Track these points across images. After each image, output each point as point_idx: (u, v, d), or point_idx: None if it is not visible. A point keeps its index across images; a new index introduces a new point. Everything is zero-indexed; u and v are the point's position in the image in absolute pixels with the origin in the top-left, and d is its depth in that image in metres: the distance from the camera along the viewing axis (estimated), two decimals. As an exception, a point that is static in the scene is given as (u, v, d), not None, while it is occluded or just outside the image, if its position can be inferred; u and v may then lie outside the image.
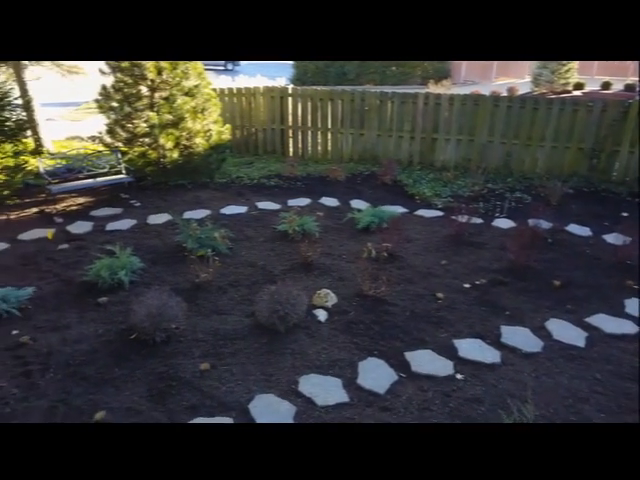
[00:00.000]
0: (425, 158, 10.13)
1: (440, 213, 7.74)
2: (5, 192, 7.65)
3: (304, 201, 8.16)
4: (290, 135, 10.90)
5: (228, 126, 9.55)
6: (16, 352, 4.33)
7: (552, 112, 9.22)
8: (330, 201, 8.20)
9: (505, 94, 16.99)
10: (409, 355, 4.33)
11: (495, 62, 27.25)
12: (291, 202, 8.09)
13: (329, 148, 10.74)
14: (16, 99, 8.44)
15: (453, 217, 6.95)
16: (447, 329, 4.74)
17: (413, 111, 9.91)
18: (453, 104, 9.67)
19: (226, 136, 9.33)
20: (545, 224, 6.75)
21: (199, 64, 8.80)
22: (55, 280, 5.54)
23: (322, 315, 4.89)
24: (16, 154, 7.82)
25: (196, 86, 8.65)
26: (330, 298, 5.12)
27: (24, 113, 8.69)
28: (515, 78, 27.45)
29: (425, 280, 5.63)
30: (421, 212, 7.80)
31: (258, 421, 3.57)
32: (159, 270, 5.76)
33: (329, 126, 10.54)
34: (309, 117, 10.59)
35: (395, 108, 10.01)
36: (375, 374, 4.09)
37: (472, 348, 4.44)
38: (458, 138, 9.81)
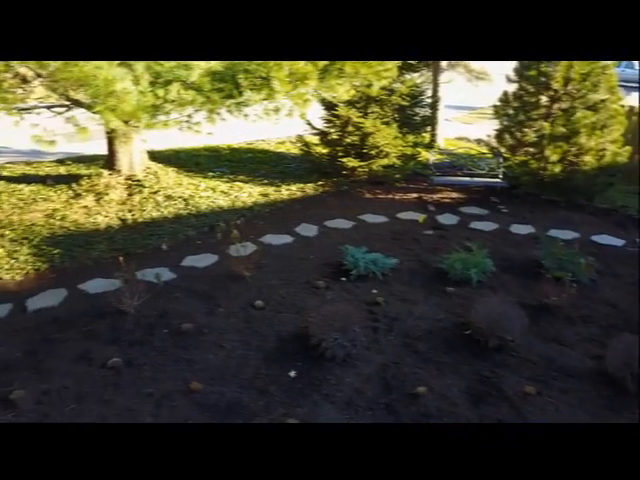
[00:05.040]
0: None
1: None
2: (397, 175, 8.92)
3: None
4: None
5: (628, 148, 8.41)
6: (371, 308, 5.09)
7: None
8: None
9: None
10: None
11: None
12: (687, 249, 6.61)
13: None
14: (427, 98, 9.63)
15: None
16: None
17: None
18: None
19: (622, 159, 8.25)
20: None
21: (614, 77, 8.01)
22: (414, 259, 6.19)
23: (693, 394, 3.91)
24: (414, 145, 8.97)
25: (603, 100, 7.92)
26: None
27: (430, 111, 9.84)
28: None
29: None
30: None
31: None
32: (508, 279, 5.70)
33: None
34: None
35: None
36: None
37: None
38: None
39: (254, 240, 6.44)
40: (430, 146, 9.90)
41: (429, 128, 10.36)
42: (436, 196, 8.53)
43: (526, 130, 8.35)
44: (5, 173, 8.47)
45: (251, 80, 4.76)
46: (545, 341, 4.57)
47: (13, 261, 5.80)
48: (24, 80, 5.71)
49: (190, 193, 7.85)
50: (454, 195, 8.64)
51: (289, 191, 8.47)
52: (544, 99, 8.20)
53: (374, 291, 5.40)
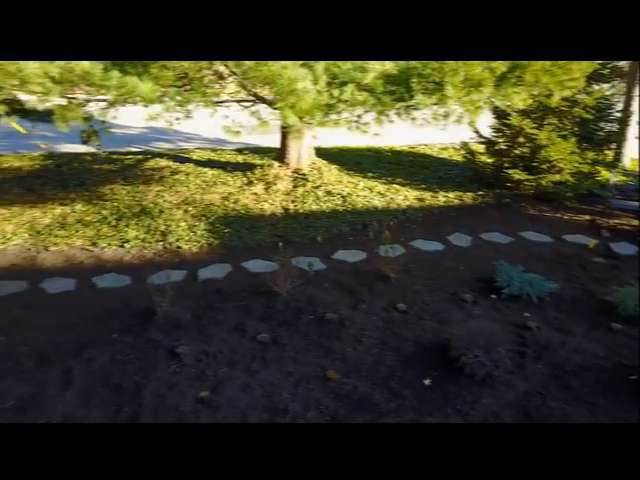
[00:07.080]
0: None
1: None
2: (568, 194, 8.14)
3: None
4: None
5: None
6: (520, 331, 4.78)
7: None
8: None
9: None
10: None
11: None
12: None
13: None
14: (616, 112, 8.63)
15: None
16: None
17: None
18: None
19: None
20: None
21: None
22: (578, 287, 5.63)
23: None
24: (593, 162, 8.12)
25: None
26: None
27: (617, 127, 8.80)
28: None
29: None
30: None
31: None
32: (694, 327, 4.90)
33: None
34: None
35: None
36: None
37: None
38: None
39: (404, 243, 6.46)
40: (613, 165, 8.85)
41: (614, 145, 9.28)
42: (613, 221, 7.63)
43: None
44: (194, 157, 9.68)
45: (424, 84, 4.78)
46: None
47: (192, 234, 6.65)
48: (221, 77, 6.47)
49: (348, 191, 8.13)
50: (635, 222, 7.63)
51: (446, 198, 8.30)
52: None
53: (526, 314, 5.06)
